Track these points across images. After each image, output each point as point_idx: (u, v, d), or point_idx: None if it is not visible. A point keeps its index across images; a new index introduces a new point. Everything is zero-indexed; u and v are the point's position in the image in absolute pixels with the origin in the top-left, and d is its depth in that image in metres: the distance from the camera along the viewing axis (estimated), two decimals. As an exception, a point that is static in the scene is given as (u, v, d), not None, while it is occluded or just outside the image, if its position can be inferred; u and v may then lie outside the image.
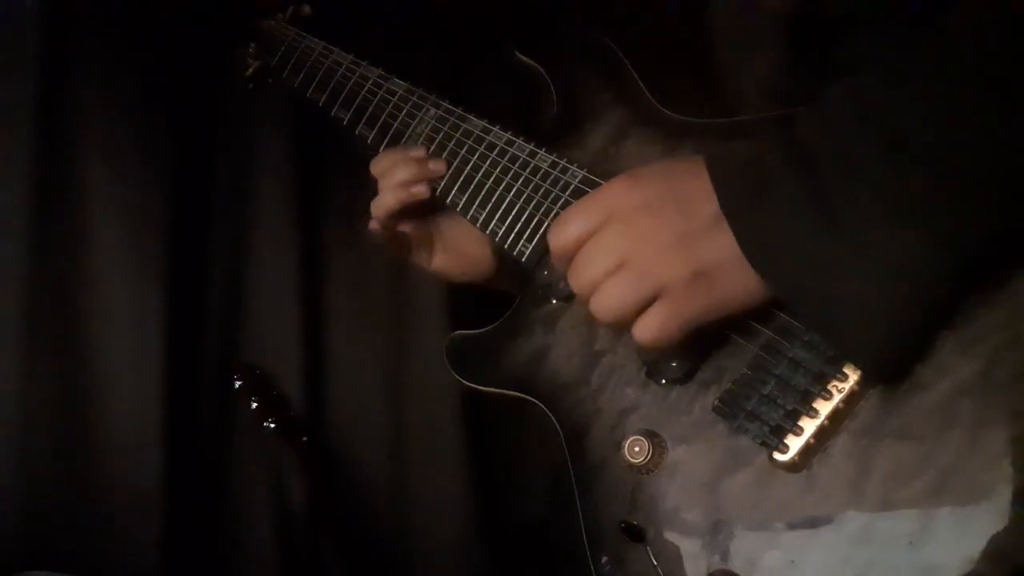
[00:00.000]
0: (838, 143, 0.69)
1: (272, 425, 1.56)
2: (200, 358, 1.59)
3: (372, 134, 1.11)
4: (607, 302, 0.76)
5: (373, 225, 1.08)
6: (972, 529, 0.65)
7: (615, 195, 0.77)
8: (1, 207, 1.46)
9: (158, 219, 1.54)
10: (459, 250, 1.12)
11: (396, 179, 1.05)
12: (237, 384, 1.57)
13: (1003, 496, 0.65)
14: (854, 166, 0.67)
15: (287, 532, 1.57)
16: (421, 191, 1.04)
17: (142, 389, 1.49)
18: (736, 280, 0.73)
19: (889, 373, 0.70)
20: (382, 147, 1.10)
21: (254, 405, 1.56)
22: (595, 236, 0.76)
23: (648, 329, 0.75)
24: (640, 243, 0.74)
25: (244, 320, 1.63)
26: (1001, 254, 0.66)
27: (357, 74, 1.14)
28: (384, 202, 1.06)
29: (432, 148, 1.04)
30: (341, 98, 1.15)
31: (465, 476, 1.61)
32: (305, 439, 1.58)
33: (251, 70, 1.31)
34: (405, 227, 1.09)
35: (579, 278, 0.78)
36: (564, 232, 0.79)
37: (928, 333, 0.68)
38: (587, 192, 0.88)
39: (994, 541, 0.64)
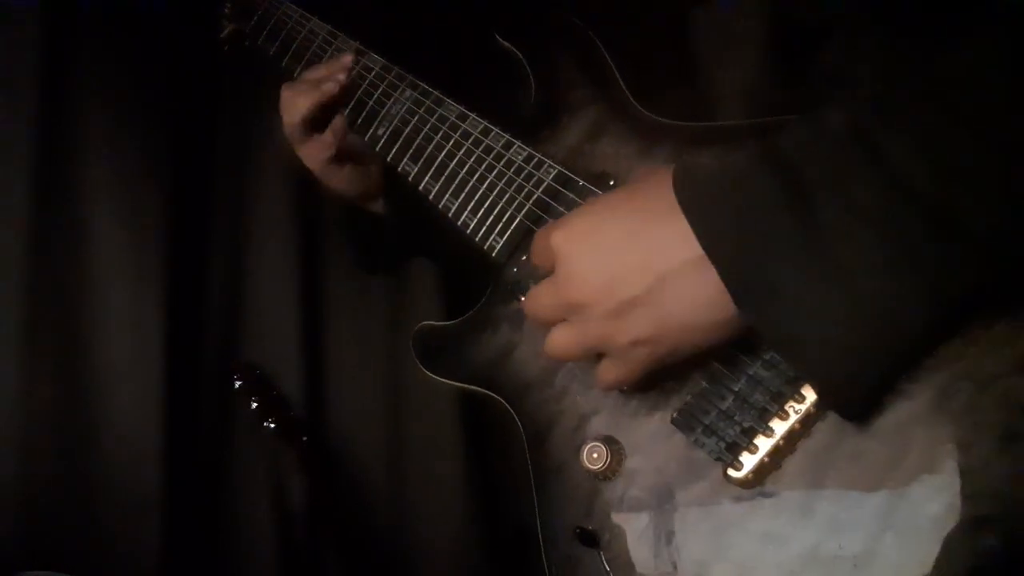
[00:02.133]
0: (835, 179, 0.66)
1: (272, 425, 1.56)
2: (200, 358, 1.60)
3: (346, 110, 1.09)
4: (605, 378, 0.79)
5: (287, 131, 1.11)
6: (916, 555, 0.65)
7: (583, 291, 0.74)
8: (2, 207, 1.46)
9: (158, 219, 1.54)
10: (361, 165, 1.16)
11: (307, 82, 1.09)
12: (237, 384, 1.57)
13: (949, 525, 0.65)
14: (851, 204, 0.65)
15: (287, 532, 1.57)
16: (330, 88, 1.07)
17: (142, 389, 1.50)
18: (706, 336, 0.72)
19: (856, 411, 0.69)
20: (356, 124, 1.08)
21: (254, 405, 1.56)
22: (568, 328, 0.76)
23: (607, 380, 0.78)
24: (613, 340, 0.74)
25: (244, 320, 1.64)
26: (981, 306, 0.65)
27: (333, 47, 1.11)
28: (298, 103, 1.09)
29: (406, 131, 1.03)
30: None
31: (464, 476, 1.61)
32: (305, 439, 1.58)
33: (226, 32, 1.26)
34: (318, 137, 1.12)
35: (553, 350, 0.79)
36: (537, 313, 0.80)
37: (898, 375, 0.68)
38: (560, 191, 0.89)
39: (937, 568, 0.64)
